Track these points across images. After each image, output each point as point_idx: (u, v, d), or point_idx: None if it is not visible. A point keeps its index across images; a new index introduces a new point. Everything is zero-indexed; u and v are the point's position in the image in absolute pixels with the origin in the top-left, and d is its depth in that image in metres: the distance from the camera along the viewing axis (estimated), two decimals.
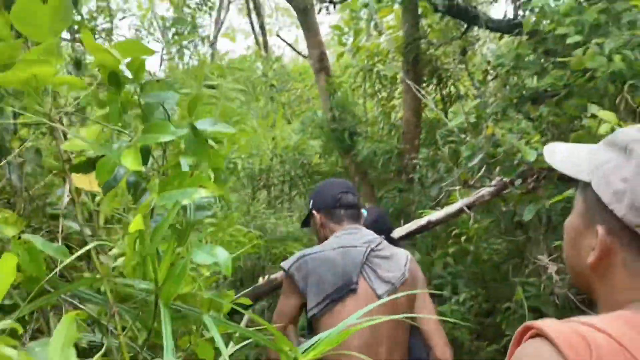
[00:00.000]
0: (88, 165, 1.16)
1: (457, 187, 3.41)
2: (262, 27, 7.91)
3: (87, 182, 1.18)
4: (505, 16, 5.21)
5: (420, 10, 6.10)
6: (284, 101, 8.65)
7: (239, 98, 6.14)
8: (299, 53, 8.24)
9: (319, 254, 2.07)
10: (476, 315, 4.23)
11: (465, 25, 5.35)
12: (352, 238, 2.12)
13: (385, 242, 2.17)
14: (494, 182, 3.57)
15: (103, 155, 1.09)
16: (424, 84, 6.74)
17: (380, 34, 7.33)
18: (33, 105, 1.08)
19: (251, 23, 7.95)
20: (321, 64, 6.38)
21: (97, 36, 4.07)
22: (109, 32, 3.88)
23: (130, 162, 1.01)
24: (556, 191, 3.38)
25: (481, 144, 3.25)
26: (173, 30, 5.00)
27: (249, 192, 6.22)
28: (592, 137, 2.91)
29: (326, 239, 2.19)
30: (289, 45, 7.64)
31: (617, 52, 2.96)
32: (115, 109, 1.10)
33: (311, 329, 2.08)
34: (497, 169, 3.61)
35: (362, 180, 6.22)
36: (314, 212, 2.26)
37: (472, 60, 6.98)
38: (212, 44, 6.72)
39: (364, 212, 2.38)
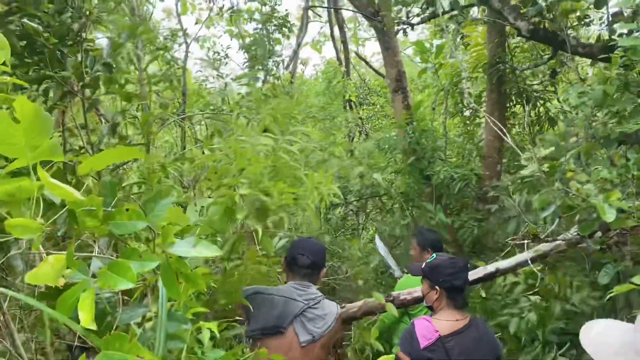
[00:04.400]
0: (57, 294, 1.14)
1: (526, 241, 3.17)
2: (344, 42, 7.87)
3: None
4: (598, 40, 4.79)
5: (507, 28, 5.78)
6: (364, 116, 8.56)
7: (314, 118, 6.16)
8: (376, 72, 8.11)
9: (269, 295, 2.65)
10: None
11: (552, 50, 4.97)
12: (297, 293, 2.68)
13: (323, 302, 2.71)
14: (569, 236, 3.29)
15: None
16: (511, 104, 6.39)
17: (466, 49, 7.04)
18: None
19: (333, 39, 7.92)
20: (398, 84, 6.22)
21: (171, 63, 4.21)
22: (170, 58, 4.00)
23: (84, 318, 0.99)
24: None
25: (554, 197, 2.99)
26: (250, 53, 5.11)
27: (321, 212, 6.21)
28: None
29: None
30: (367, 63, 7.51)
31: None
32: (70, 252, 1.07)
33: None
34: (577, 217, 3.32)
35: (438, 205, 5.99)
36: (284, 258, 2.86)
37: (566, 77, 6.52)
38: (288, 66, 6.78)
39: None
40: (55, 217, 1.07)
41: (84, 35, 2.03)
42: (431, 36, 7.76)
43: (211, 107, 4.25)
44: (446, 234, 5.78)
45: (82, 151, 2.31)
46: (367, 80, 8.80)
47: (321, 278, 2.90)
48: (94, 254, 1.26)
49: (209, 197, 2.96)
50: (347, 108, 8.42)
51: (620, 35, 4.51)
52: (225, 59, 5.83)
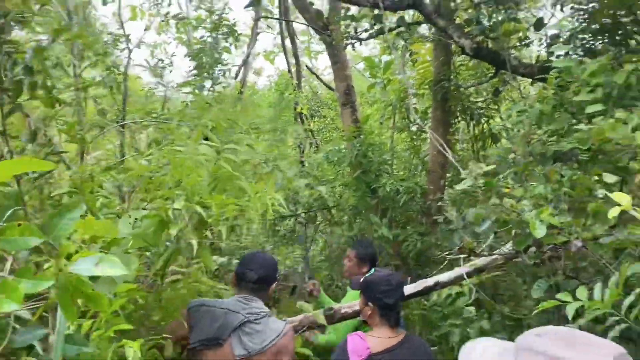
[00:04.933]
0: None
1: (462, 256, 3.21)
2: (295, 54, 7.88)
3: None
4: (537, 60, 4.96)
5: (452, 47, 5.93)
6: (315, 128, 8.57)
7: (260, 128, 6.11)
8: (326, 85, 8.16)
9: (212, 308, 2.67)
10: None
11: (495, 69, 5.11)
12: (240, 306, 2.68)
13: (268, 319, 2.66)
14: (506, 250, 3.35)
15: None
16: (456, 120, 6.53)
17: (414, 65, 7.17)
18: None
19: (284, 51, 7.92)
20: (347, 98, 6.27)
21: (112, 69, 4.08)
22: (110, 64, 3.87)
23: None
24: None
25: (489, 212, 3.05)
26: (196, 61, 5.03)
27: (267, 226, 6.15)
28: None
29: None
30: (317, 76, 7.54)
31: None
32: None
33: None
34: (513, 232, 3.40)
35: (383, 218, 6.03)
36: (234, 273, 2.87)
37: (509, 95, 6.73)
38: (237, 76, 6.73)
39: None
40: None
41: (3, 36, 1.92)
42: (381, 52, 7.88)
43: (153, 115, 4.14)
44: (389, 247, 5.83)
45: (1, 158, 2.19)
46: (318, 93, 8.83)
47: (271, 293, 2.87)
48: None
49: (144, 209, 2.87)
50: (299, 120, 8.42)
51: (559, 56, 4.70)
52: (169, 66, 5.73)
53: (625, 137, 2.83)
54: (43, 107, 2.38)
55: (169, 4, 5.48)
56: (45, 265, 1.44)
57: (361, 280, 3.01)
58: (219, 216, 2.65)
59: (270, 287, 2.83)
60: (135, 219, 2.61)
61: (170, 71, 5.72)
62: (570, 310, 2.02)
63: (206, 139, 3.26)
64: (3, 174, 1.07)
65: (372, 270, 3.00)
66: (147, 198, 2.95)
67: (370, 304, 2.83)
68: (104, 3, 4.93)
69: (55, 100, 2.17)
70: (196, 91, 4.04)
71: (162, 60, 5.72)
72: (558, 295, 2.12)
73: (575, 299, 2.06)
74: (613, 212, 2.47)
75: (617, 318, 1.89)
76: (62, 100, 2.32)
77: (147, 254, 2.57)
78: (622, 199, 2.53)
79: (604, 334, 1.87)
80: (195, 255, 2.71)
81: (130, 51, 4.60)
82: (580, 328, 2.54)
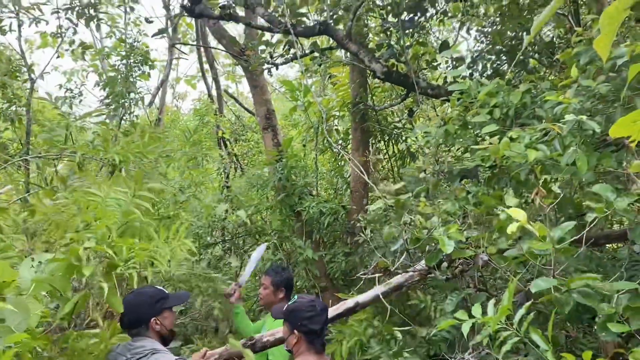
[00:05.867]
0: None
1: (377, 275, 3.27)
2: (215, 79, 7.84)
3: None
4: (445, 82, 5.19)
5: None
6: (240, 152, 8.52)
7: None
8: (247, 109, 8.17)
9: (110, 354, 2.72)
10: None
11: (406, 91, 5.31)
12: (127, 349, 2.68)
13: (153, 356, 2.61)
14: (418, 268, 3.45)
15: None
16: (376, 140, 6.70)
17: (334, 87, 7.31)
18: None
19: (203, 76, 7.87)
20: (268, 122, 6.29)
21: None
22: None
23: None
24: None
25: (400, 231, 3.13)
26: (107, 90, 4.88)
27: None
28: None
29: None
30: (237, 101, 7.54)
31: (532, 146, 2.90)
32: None
33: None
34: (426, 248, 3.51)
35: (308, 240, 6.05)
36: None
37: (424, 115, 6.98)
38: (151, 103, 6.60)
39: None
40: None
41: None
42: (301, 76, 7.99)
43: (61, 147, 3.97)
44: (315, 269, 5.85)
45: None
46: (240, 117, 8.81)
47: (155, 327, 2.78)
48: None
49: (47, 252, 2.73)
50: (221, 145, 8.34)
51: (464, 77, 4.95)
52: (79, 95, 5.51)
53: (519, 155, 3.00)
54: None
55: (74, 33, 5.29)
56: None
57: (284, 308, 2.97)
58: (128, 260, 2.57)
59: (149, 325, 2.75)
60: (39, 262, 2.48)
61: (80, 101, 5.52)
62: (465, 329, 2.09)
63: (112, 171, 3.16)
64: None
65: (295, 297, 2.98)
66: (53, 239, 2.81)
67: (295, 331, 2.80)
68: (3, 33, 4.68)
69: None
70: (106, 121, 3.91)
71: (71, 90, 5.50)
72: (457, 314, 2.19)
73: (471, 316, 2.13)
74: (512, 228, 2.60)
75: (509, 332, 1.98)
76: None
77: (52, 299, 2.44)
78: (519, 215, 2.68)
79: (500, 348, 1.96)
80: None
81: (33, 81, 4.39)
82: (477, 344, 2.64)
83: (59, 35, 5.21)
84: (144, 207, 2.72)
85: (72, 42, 5.39)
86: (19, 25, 4.63)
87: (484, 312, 2.09)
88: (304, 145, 7.27)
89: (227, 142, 8.09)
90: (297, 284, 6.19)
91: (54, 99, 4.45)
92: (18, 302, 2.14)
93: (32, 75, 4.44)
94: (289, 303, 2.98)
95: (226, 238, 6.47)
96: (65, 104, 5.03)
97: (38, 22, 4.52)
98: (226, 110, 8.49)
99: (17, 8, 4.46)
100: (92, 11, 4.89)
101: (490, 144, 3.19)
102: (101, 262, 2.63)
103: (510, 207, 2.82)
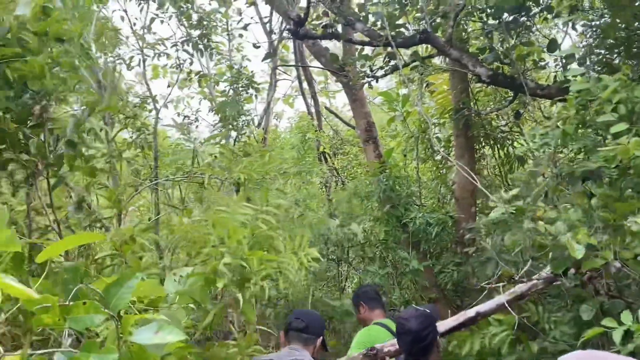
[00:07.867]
0: None
1: (501, 284, 3.19)
2: (314, 97, 8.05)
3: None
4: (555, 81, 4.98)
5: (469, 74, 5.99)
6: (339, 166, 8.65)
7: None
8: (346, 123, 8.28)
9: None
10: None
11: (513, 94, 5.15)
12: (287, 355, 2.74)
13: None
14: (544, 274, 3.32)
15: None
16: (480, 146, 6.54)
17: (432, 95, 7.25)
18: None
19: (302, 95, 8.11)
20: (368, 134, 6.35)
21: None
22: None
23: None
24: None
25: (523, 238, 3.03)
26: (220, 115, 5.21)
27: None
28: None
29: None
30: (337, 116, 7.68)
31: None
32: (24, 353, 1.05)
33: None
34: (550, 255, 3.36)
35: (413, 251, 5.99)
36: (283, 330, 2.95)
37: (531, 116, 6.72)
38: (259, 124, 6.91)
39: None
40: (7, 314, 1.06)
41: (45, 115, 2.06)
42: (397, 85, 7.98)
43: (186, 171, 4.27)
44: (423, 279, 5.80)
45: (48, 229, 2.30)
46: (339, 131, 8.95)
47: (318, 348, 2.90)
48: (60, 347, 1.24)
49: (186, 266, 2.94)
50: (322, 159, 8.52)
51: (576, 76, 4.72)
52: (195, 122, 5.94)
53: None
54: (82, 176, 2.50)
55: (191, 63, 5.72)
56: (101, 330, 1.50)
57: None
58: (259, 272, 2.72)
59: (317, 340, 2.87)
60: (180, 276, 2.68)
61: (196, 126, 5.94)
62: (617, 336, 1.99)
63: (237, 189, 3.35)
64: (61, 248, 1.15)
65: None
66: (191, 255, 3.03)
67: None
68: (129, 68, 5.18)
69: (94, 168, 2.29)
70: (223, 143, 4.17)
71: (188, 117, 5.93)
72: (603, 322, 2.09)
73: (620, 323, 2.03)
74: None
75: None
76: (100, 170, 2.44)
77: (193, 311, 2.63)
78: None
79: None
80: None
81: (158, 111, 4.80)
82: (632, 354, 2.47)
83: (177, 66, 5.66)
84: (270, 221, 2.87)
85: (189, 72, 5.83)
86: (144, 61, 5.12)
87: (636, 320, 1.98)
88: (405, 155, 7.24)
89: (328, 156, 8.25)
90: (405, 295, 6.14)
91: (177, 125, 4.82)
92: (170, 313, 2.33)
93: (157, 105, 4.87)
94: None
95: (331, 249, 6.56)
96: (185, 129, 5.44)
97: (160, 56, 4.95)
98: (324, 125, 8.68)
99: (141, 44, 4.93)
100: (205, 41, 5.28)
101: (618, 144, 3.03)
102: (234, 275, 2.79)
103: None
